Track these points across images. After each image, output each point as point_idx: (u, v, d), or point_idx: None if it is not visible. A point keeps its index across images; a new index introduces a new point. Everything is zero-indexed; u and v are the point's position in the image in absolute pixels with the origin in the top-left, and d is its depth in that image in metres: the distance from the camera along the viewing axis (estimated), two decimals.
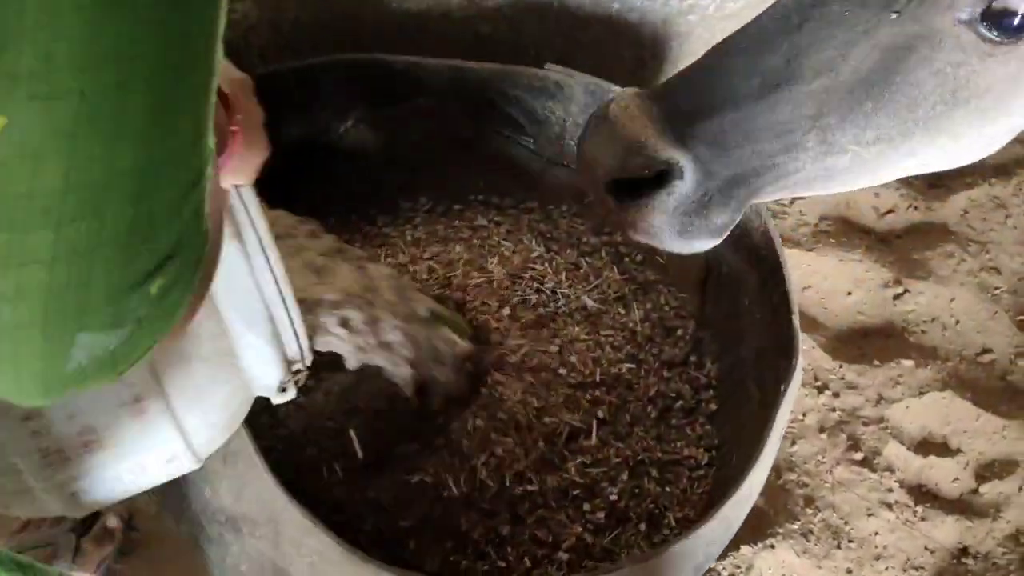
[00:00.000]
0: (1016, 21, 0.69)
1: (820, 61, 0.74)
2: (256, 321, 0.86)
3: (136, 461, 0.81)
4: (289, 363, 0.91)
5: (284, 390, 0.93)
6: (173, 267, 0.51)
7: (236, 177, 0.80)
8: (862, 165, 0.79)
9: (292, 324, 0.89)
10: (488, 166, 1.61)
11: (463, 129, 1.59)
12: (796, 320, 1.22)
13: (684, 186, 0.76)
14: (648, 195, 0.76)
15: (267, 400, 0.93)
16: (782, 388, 1.14)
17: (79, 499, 0.81)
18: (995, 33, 0.69)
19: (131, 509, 1.34)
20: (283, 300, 0.87)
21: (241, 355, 0.87)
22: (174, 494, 1.12)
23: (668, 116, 0.75)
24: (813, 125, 0.76)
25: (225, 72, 0.75)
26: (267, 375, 0.90)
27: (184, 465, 0.85)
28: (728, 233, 0.83)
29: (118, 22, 0.40)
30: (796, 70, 0.74)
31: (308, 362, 0.94)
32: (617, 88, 1.42)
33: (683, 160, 0.75)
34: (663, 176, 0.75)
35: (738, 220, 0.81)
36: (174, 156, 0.47)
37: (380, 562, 0.87)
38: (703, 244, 0.81)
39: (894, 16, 0.71)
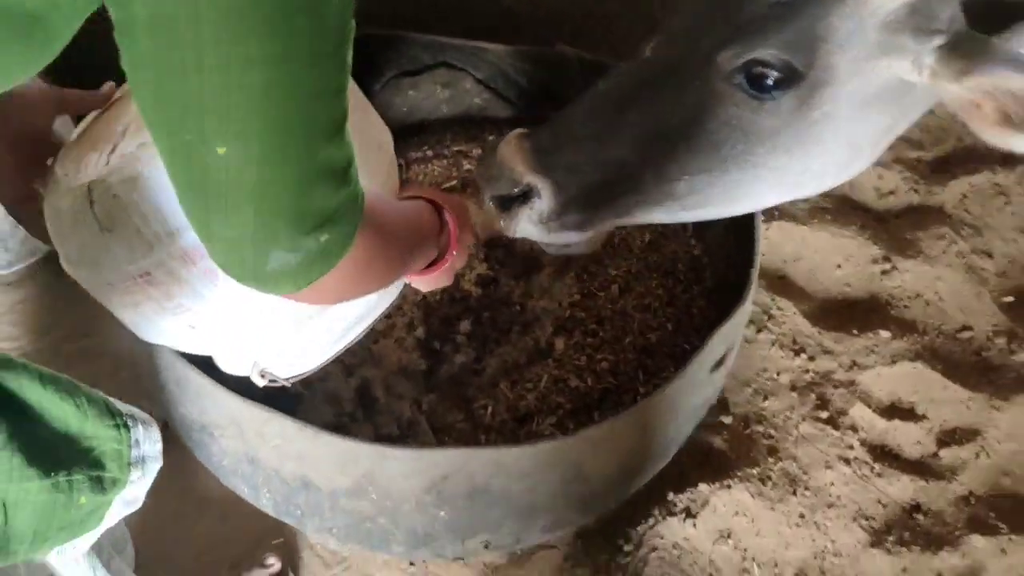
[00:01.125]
0: (769, 82, 0.93)
1: (641, 114, 1.00)
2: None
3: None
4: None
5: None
6: (333, 227, 0.71)
7: (435, 284, 1.06)
8: (703, 190, 1.04)
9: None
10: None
11: (477, 97, 1.75)
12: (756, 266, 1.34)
13: (541, 203, 1.03)
14: (515, 208, 1.04)
15: None
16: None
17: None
18: (755, 92, 0.94)
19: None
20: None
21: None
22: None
23: (535, 150, 1.02)
24: (644, 159, 1.02)
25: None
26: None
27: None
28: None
29: None
30: (626, 120, 1.01)
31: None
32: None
33: (540, 183, 1.01)
34: (526, 194, 1.03)
35: (607, 223, 1.08)
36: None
37: (332, 432, 1.05)
38: (568, 239, 1.07)
39: (692, 83, 0.97)
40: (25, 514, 0.77)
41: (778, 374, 1.73)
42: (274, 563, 1.42)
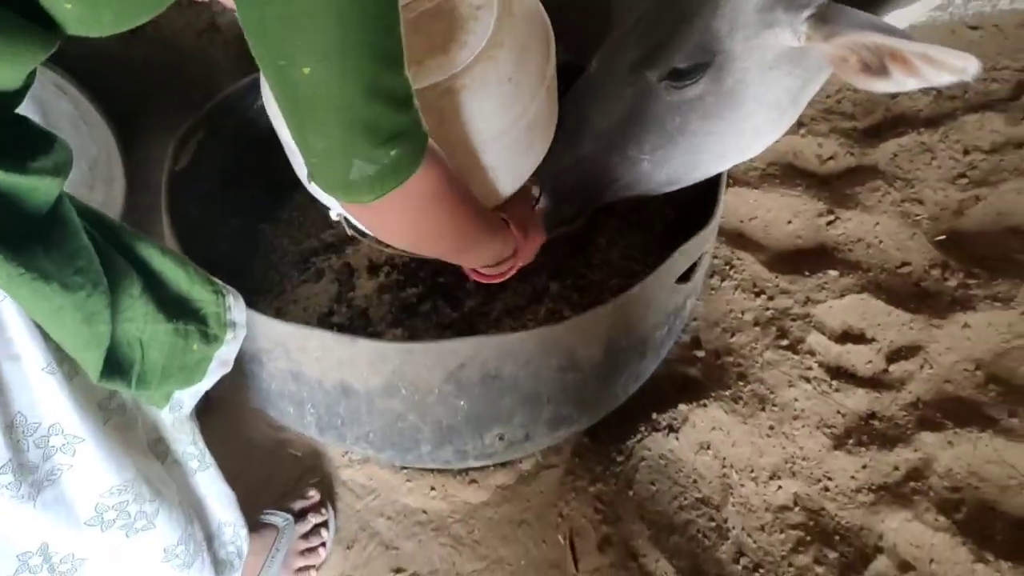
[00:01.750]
0: (687, 77, 1.26)
1: (601, 117, 1.33)
2: None
3: None
4: None
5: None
6: (401, 144, 0.85)
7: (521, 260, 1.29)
8: (664, 164, 1.37)
9: None
10: None
11: None
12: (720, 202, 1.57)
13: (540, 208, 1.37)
14: None
15: None
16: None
17: None
18: (678, 83, 1.26)
19: None
20: None
21: None
22: None
23: None
24: (612, 151, 1.34)
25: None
26: None
27: None
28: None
29: None
30: (591, 124, 1.33)
31: None
32: None
33: (536, 192, 1.36)
34: None
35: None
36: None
37: (368, 337, 1.26)
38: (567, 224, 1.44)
39: (632, 88, 1.29)
40: (156, 351, 0.93)
41: (742, 313, 1.95)
42: (314, 495, 1.62)
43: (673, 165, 1.39)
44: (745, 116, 1.32)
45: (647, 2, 1.31)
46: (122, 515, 1.00)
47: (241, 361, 1.43)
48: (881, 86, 1.18)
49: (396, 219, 0.96)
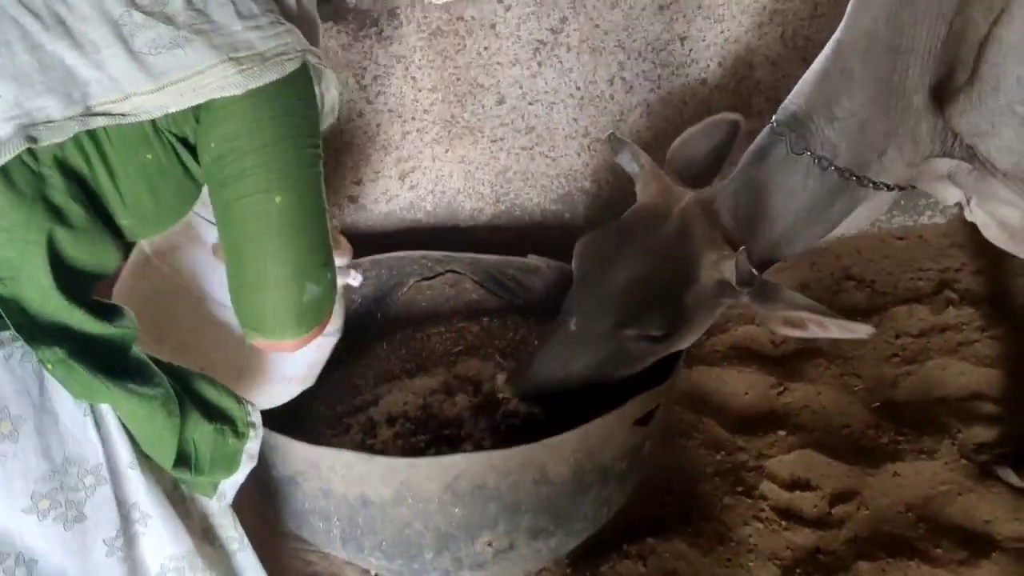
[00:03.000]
0: (657, 337, 1.75)
1: (582, 362, 1.79)
2: None
3: None
4: None
5: None
6: (331, 266, 1.23)
7: None
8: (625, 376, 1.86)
9: None
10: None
11: (474, 293, 2.49)
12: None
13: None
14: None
15: None
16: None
17: None
18: (649, 344, 1.77)
19: None
20: None
21: None
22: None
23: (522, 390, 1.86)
24: (588, 378, 1.82)
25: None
26: None
27: None
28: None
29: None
30: (572, 368, 1.80)
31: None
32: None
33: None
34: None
35: None
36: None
37: (392, 456, 1.64)
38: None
39: (609, 342, 1.76)
40: (204, 446, 1.27)
41: (705, 466, 2.30)
42: None
43: (628, 375, 1.86)
44: (686, 342, 1.84)
45: (618, 277, 1.74)
46: None
47: (278, 485, 1.81)
48: (795, 334, 1.72)
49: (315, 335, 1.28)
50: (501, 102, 2.44)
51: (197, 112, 1.11)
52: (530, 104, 2.46)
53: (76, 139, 1.08)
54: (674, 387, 2.03)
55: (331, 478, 1.70)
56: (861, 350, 2.64)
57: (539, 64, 2.41)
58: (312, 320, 1.22)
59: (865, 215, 2.06)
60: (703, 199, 1.79)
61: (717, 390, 2.54)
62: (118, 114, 1.07)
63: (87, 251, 1.14)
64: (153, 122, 1.10)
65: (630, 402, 1.81)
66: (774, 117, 1.74)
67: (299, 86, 1.15)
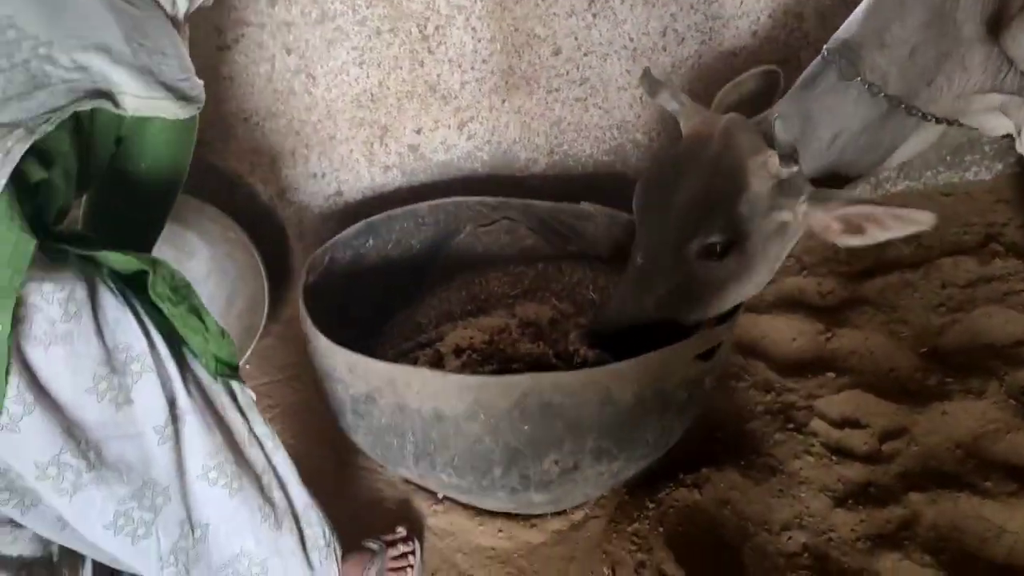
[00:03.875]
0: (718, 250, 1.74)
1: (652, 292, 1.86)
2: None
3: None
4: None
5: None
6: None
7: None
8: (696, 315, 1.88)
9: None
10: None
11: (528, 239, 2.57)
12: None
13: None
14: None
15: None
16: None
17: None
18: (713, 261, 1.75)
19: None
20: None
21: None
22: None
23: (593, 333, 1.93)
24: (658, 312, 1.85)
25: None
26: None
27: None
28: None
29: None
30: (643, 301, 1.83)
31: None
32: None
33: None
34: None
35: None
36: None
37: (460, 374, 1.73)
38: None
39: (676, 267, 1.77)
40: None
41: (755, 406, 2.36)
42: (402, 530, 2.02)
43: (702, 314, 1.90)
44: (756, 274, 1.81)
45: (676, 203, 1.74)
46: (221, 475, 1.41)
47: (356, 404, 1.89)
48: (857, 241, 1.66)
49: None
50: (557, 53, 2.50)
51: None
52: (584, 55, 2.52)
53: None
54: (734, 329, 2.09)
55: (406, 394, 1.79)
56: (908, 300, 2.68)
57: (594, 16, 2.47)
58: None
59: (912, 149, 2.10)
60: (748, 121, 1.83)
61: (766, 336, 2.60)
62: None
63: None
64: None
65: (692, 337, 1.88)
66: (825, 46, 1.80)
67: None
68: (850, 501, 2.09)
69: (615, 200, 2.45)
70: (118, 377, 1.27)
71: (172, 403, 1.34)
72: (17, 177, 1.12)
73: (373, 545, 1.95)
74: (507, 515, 2.08)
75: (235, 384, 1.46)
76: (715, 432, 2.29)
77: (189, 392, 1.36)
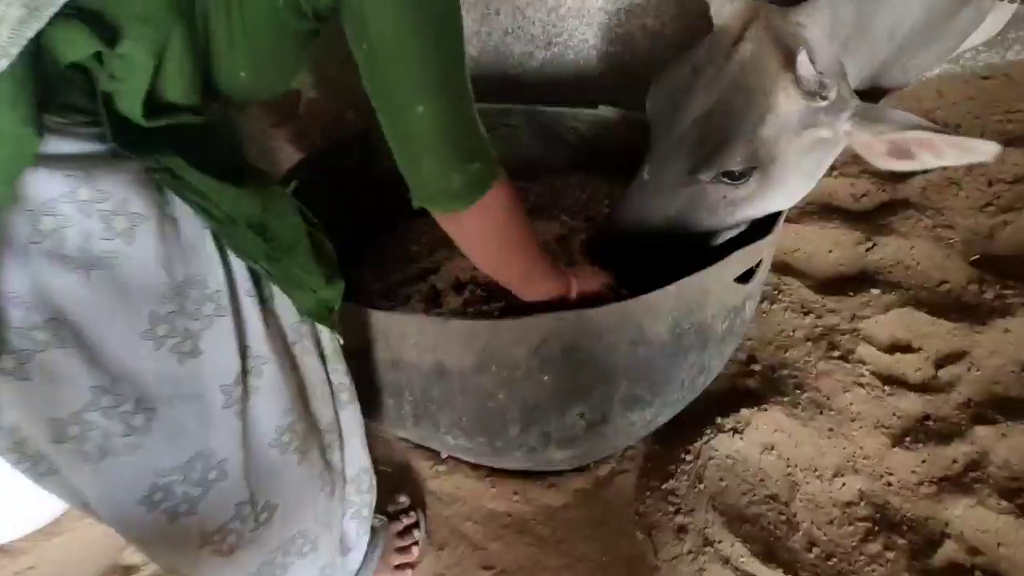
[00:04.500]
0: (738, 175, 1.48)
1: (658, 208, 1.57)
2: None
3: None
4: None
5: None
6: (480, 160, 1.12)
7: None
8: (715, 235, 1.63)
9: None
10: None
11: (534, 150, 2.22)
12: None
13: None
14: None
15: None
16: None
17: None
18: (732, 181, 1.49)
19: None
20: None
21: None
22: None
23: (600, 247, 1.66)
24: (669, 233, 1.59)
25: None
26: None
27: None
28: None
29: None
30: (649, 216, 1.57)
31: None
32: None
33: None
34: None
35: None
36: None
37: (462, 317, 1.41)
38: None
39: (689, 187, 1.52)
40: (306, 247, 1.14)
41: (793, 331, 2.08)
42: (404, 500, 1.74)
43: (723, 232, 1.64)
44: (786, 190, 1.56)
45: (691, 115, 1.51)
46: (293, 437, 1.19)
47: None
48: (904, 166, 1.41)
49: (481, 228, 1.22)
50: None
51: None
52: None
53: None
54: (775, 244, 1.79)
55: (401, 347, 1.48)
56: (952, 200, 2.39)
57: None
58: (467, 198, 1.15)
59: (978, 39, 1.80)
60: (787, 15, 1.52)
61: (799, 248, 2.31)
62: None
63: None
64: None
65: (729, 257, 1.58)
66: None
67: None
68: (908, 439, 1.84)
69: (621, 98, 2.10)
70: (184, 320, 1.01)
71: (245, 353, 1.10)
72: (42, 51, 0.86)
73: (374, 521, 1.67)
74: (521, 474, 1.81)
75: (322, 328, 1.25)
76: (751, 363, 2.02)
77: (270, 337, 1.12)
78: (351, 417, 1.36)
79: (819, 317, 2.11)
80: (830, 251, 2.29)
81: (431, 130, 1.06)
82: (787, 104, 1.47)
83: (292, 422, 1.17)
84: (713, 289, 1.60)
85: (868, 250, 2.26)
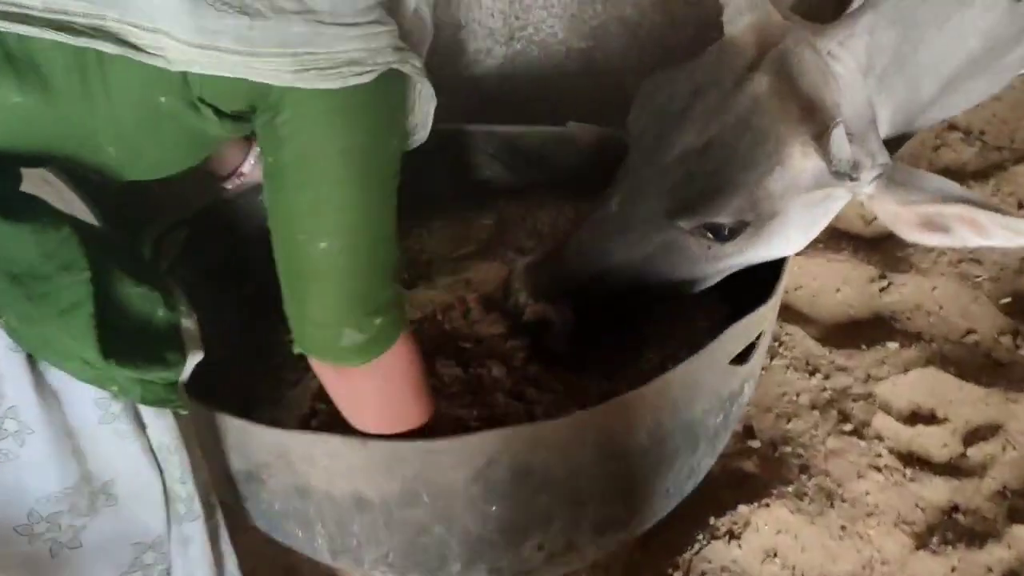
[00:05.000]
0: (725, 233, 1.22)
1: (625, 247, 1.28)
2: None
3: None
4: None
5: None
6: (387, 315, 0.98)
7: None
8: (693, 284, 1.35)
9: None
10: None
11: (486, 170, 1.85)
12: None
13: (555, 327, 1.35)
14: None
15: None
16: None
17: None
18: (715, 239, 1.23)
19: None
20: None
21: None
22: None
23: (540, 282, 1.34)
24: (637, 276, 1.30)
25: None
26: None
27: None
28: None
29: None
30: (612, 253, 1.29)
31: None
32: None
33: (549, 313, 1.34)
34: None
35: None
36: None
37: (380, 439, 1.09)
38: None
39: (660, 232, 1.25)
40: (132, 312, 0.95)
41: (797, 395, 1.76)
42: None
43: (702, 282, 1.37)
44: (783, 243, 1.29)
45: (681, 145, 1.23)
46: None
47: (236, 482, 1.25)
48: (937, 241, 1.15)
49: (374, 389, 1.06)
50: None
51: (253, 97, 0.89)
52: None
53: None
54: (777, 306, 1.46)
55: (308, 472, 1.16)
56: None
57: None
58: (359, 357, 1.01)
59: None
60: (815, 37, 1.22)
61: (801, 286, 1.97)
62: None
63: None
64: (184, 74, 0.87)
65: (724, 333, 1.28)
66: None
67: (384, 98, 0.95)
68: (934, 539, 1.54)
69: (591, 106, 1.74)
70: None
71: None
72: None
73: None
74: None
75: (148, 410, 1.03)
76: (748, 438, 1.70)
77: (43, 403, 0.94)
78: (194, 535, 1.09)
79: (827, 377, 1.78)
80: (838, 290, 1.96)
81: (333, 271, 0.95)
82: (802, 160, 1.19)
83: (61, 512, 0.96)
84: (704, 379, 1.28)
85: (883, 290, 1.94)
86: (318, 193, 0.90)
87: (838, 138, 1.09)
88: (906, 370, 1.78)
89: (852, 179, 1.14)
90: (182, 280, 1.43)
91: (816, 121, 1.18)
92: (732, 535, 1.51)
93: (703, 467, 1.45)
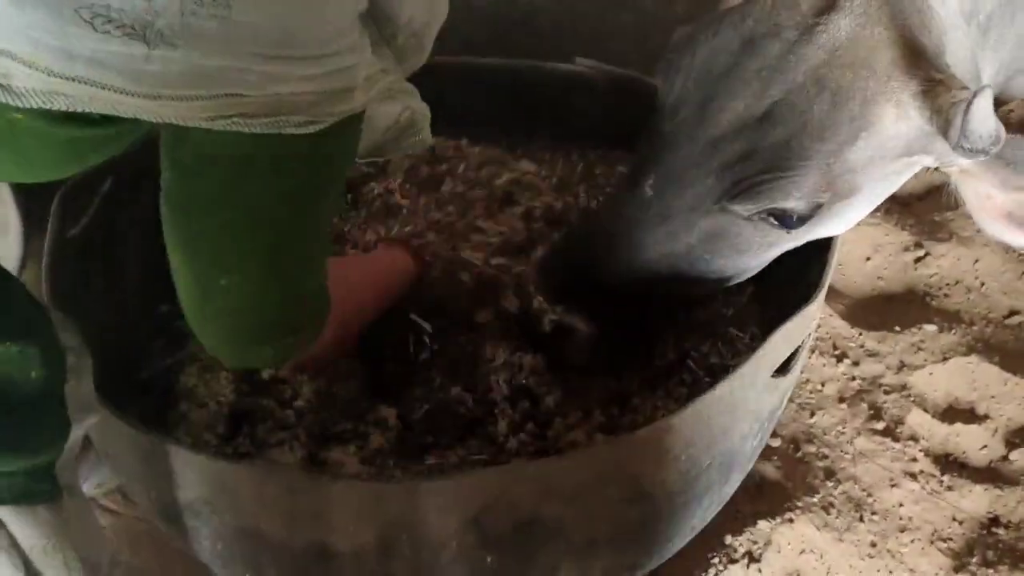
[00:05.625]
0: (794, 219, 1.03)
1: (665, 235, 1.08)
2: None
3: None
4: None
5: None
6: (299, 334, 0.94)
7: None
8: (739, 273, 1.16)
9: None
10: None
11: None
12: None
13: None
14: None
15: None
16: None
17: None
18: (782, 225, 1.04)
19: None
20: None
21: None
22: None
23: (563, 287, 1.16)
24: (675, 265, 1.10)
25: None
26: None
27: None
28: None
29: None
30: (644, 254, 1.10)
31: None
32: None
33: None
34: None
35: None
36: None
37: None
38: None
39: (708, 216, 1.06)
40: None
41: (823, 385, 1.56)
42: None
43: (746, 274, 1.19)
44: (844, 220, 1.12)
45: (732, 114, 1.02)
46: None
47: (177, 515, 1.02)
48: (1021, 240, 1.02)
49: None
50: None
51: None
52: None
53: None
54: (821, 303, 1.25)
55: (259, 514, 0.92)
56: None
57: None
58: (268, 365, 1.08)
59: None
60: None
61: None
62: None
63: None
64: None
65: (767, 341, 1.09)
66: None
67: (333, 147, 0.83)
68: (974, 559, 1.38)
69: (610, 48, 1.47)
70: None
71: None
72: None
73: None
74: None
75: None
76: (767, 441, 1.49)
77: None
78: None
79: (855, 364, 1.58)
80: (868, 258, 1.74)
81: (238, 302, 0.86)
82: (895, 124, 0.98)
83: None
84: (745, 398, 1.07)
85: (918, 260, 1.72)
86: (229, 219, 0.80)
87: (982, 108, 0.87)
88: (944, 358, 1.58)
89: (985, 155, 0.92)
90: (98, 244, 1.19)
91: (915, 74, 0.97)
92: (752, 557, 1.33)
93: (727, 493, 1.25)
